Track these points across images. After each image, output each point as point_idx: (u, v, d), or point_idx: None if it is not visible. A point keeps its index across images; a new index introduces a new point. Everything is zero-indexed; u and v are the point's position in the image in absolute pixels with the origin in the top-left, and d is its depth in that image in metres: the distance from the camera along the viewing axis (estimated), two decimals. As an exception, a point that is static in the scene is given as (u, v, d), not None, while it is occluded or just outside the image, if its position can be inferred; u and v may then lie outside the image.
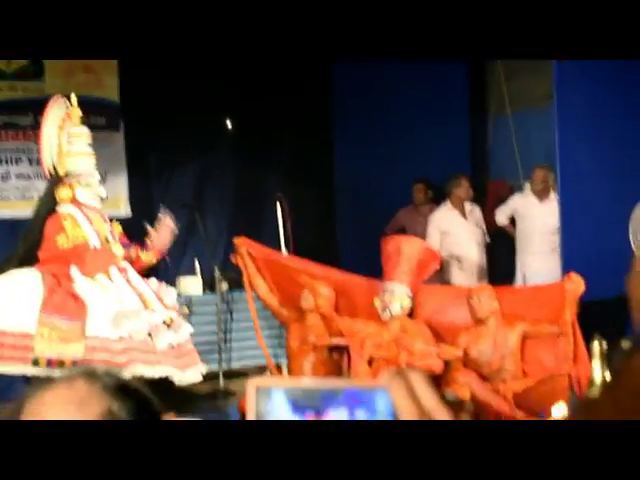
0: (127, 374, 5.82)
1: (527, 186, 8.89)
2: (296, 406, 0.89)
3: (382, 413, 0.88)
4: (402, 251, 6.87)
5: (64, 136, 6.43)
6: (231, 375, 7.69)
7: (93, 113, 8.85)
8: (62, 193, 6.38)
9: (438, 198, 9.44)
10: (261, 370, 8.18)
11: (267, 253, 7.43)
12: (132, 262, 6.56)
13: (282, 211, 8.23)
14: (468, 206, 9.01)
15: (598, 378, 3.98)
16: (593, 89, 7.53)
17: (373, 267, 7.22)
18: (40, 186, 9.15)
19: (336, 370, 7.00)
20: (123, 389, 1.48)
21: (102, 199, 6.56)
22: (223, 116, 9.93)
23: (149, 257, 6.66)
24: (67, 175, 6.42)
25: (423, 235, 8.94)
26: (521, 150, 9.42)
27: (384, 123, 9.83)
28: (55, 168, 6.44)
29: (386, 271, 6.86)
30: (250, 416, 0.90)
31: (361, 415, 0.88)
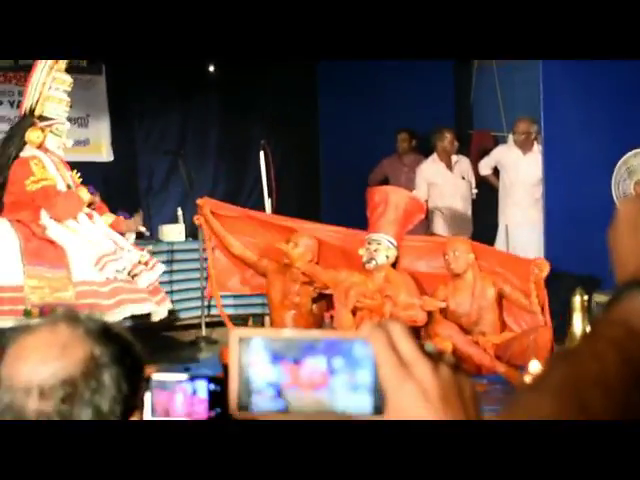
0: (118, 315, 5.88)
1: (511, 137, 8.89)
2: (275, 355, 0.89)
3: (360, 363, 0.88)
4: (389, 202, 6.86)
5: (49, 80, 6.36)
6: (213, 324, 7.70)
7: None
8: (32, 135, 6.30)
9: (422, 147, 9.43)
10: (243, 318, 8.22)
11: (236, 211, 7.39)
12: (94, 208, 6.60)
13: (266, 158, 8.18)
14: (454, 158, 9.01)
15: (579, 331, 4.02)
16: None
17: (356, 216, 7.22)
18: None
19: (318, 322, 7.04)
20: (106, 333, 1.48)
21: (64, 148, 6.55)
22: (206, 61, 9.85)
23: (107, 221, 6.65)
24: (40, 119, 6.35)
25: (406, 184, 8.95)
26: (505, 101, 9.39)
27: (368, 72, 9.76)
28: (32, 110, 6.37)
29: (372, 222, 6.86)
30: (232, 366, 0.90)
31: (339, 364, 0.88)
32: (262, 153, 8.18)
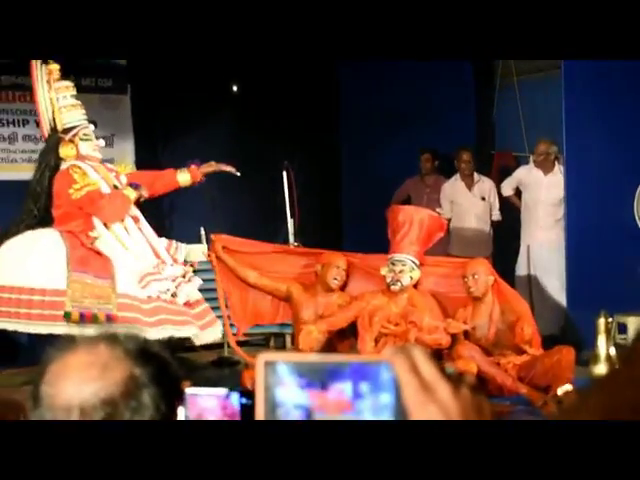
0: (157, 334, 5.85)
1: (532, 158, 8.89)
2: (302, 380, 0.91)
3: (386, 387, 0.90)
4: (413, 221, 6.80)
5: (53, 92, 6.39)
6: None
7: (100, 76, 8.84)
8: (65, 150, 6.34)
9: (444, 168, 9.44)
10: (266, 339, 8.22)
11: (250, 245, 7.17)
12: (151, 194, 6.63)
13: (288, 179, 8.20)
14: (476, 178, 9.04)
15: (603, 353, 4.01)
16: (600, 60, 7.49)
17: (379, 237, 7.21)
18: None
19: (345, 346, 6.93)
20: (144, 353, 1.50)
21: (100, 148, 6.57)
22: (230, 81, 9.91)
23: (185, 177, 6.69)
24: (64, 132, 6.38)
25: (427, 205, 8.96)
26: (527, 120, 9.39)
27: (391, 92, 9.80)
28: (54, 126, 6.41)
29: (395, 242, 6.79)
30: (259, 390, 0.92)
31: (365, 388, 0.90)
32: (285, 174, 8.21)
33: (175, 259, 6.49)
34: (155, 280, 6.09)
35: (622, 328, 7.45)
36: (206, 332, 6.38)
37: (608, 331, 4.07)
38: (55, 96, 6.39)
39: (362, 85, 10.18)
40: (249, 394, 1.68)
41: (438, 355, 6.50)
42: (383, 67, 9.40)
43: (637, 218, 7.73)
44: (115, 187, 6.47)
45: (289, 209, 8.15)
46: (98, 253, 6.18)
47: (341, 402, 0.91)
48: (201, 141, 9.82)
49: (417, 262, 6.72)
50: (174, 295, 6.17)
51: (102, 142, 6.56)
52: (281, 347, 8.05)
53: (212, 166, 6.74)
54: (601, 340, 4.08)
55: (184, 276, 6.30)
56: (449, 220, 9.05)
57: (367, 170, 10.05)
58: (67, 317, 5.94)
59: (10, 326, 6.06)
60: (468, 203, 9.02)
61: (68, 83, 6.49)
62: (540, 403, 6.06)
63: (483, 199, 9.03)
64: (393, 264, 6.67)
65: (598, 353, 4.08)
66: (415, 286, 6.76)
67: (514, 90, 9.48)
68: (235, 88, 9.98)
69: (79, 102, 6.50)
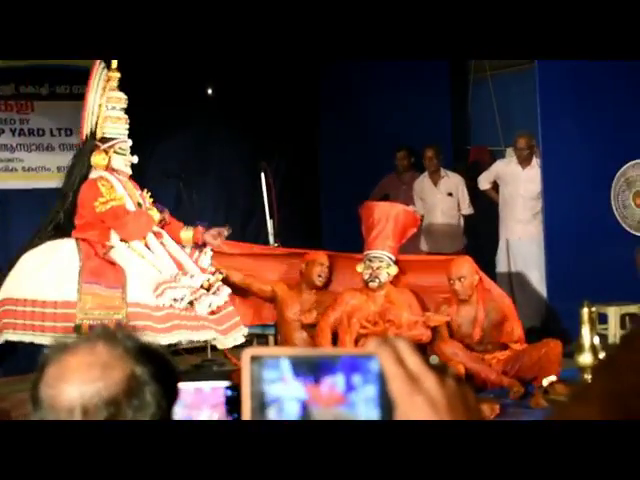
0: (170, 339, 5.88)
1: (509, 152, 8.94)
2: (293, 374, 0.91)
3: (378, 378, 0.91)
4: (389, 217, 6.80)
5: (104, 100, 6.35)
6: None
7: (75, 83, 8.79)
8: (97, 159, 6.28)
9: (420, 165, 9.49)
10: (248, 340, 8.20)
11: (232, 246, 7.07)
12: (164, 226, 6.56)
13: (266, 179, 8.20)
14: (442, 174, 9.08)
15: (587, 342, 4.04)
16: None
17: (358, 234, 7.22)
18: (22, 157, 9.14)
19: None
20: (143, 351, 1.50)
21: (132, 165, 6.48)
22: (206, 82, 9.90)
23: (188, 235, 6.64)
24: (102, 141, 6.33)
25: (405, 202, 9.00)
26: (501, 115, 9.44)
27: (367, 92, 9.83)
28: (93, 133, 6.36)
29: (371, 238, 6.77)
30: (245, 385, 0.92)
31: (357, 381, 0.91)
32: (263, 175, 8.20)
33: (203, 269, 6.44)
34: (170, 288, 6.03)
35: (602, 318, 7.51)
36: (228, 337, 6.30)
37: (592, 321, 4.10)
38: (105, 104, 6.34)
39: (340, 84, 10.20)
40: (234, 387, 1.68)
41: (421, 351, 6.51)
42: (360, 66, 9.43)
43: (614, 209, 7.79)
44: (139, 205, 6.44)
45: (268, 210, 8.14)
46: (112, 263, 6.14)
47: (334, 395, 0.91)
48: (179, 144, 9.82)
49: (393, 258, 6.71)
50: (191, 304, 6.11)
51: (136, 158, 6.43)
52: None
53: (216, 237, 6.66)
54: (585, 330, 4.11)
55: (208, 288, 6.23)
56: (422, 217, 9.11)
57: (345, 169, 10.07)
58: (77, 330, 5.93)
59: (26, 338, 6.05)
60: (434, 199, 9.09)
61: (122, 95, 6.44)
62: (517, 394, 6.11)
63: (450, 195, 9.07)
64: (370, 260, 6.65)
65: (582, 343, 4.11)
66: (394, 283, 6.76)
67: (488, 85, 9.53)
68: (211, 90, 9.97)
69: (126, 116, 6.43)
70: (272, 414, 0.92)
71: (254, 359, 0.93)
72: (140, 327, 5.81)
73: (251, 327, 7.48)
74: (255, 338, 8.12)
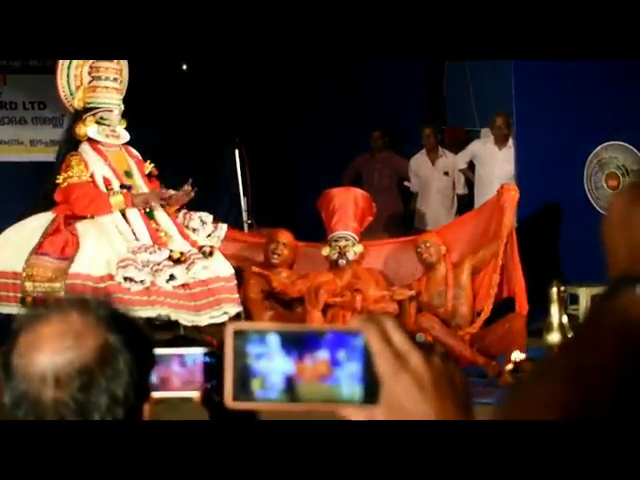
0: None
1: (485, 132, 8.96)
2: (278, 348, 0.92)
3: (361, 356, 0.91)
4: (349, 199, 6.95)
5: (85, 69, 6.25)
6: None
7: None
8: (77, 130, 6.22)
9: (394, 144, 9.51)
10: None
11: None
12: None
13: (240, 156, 8.19)
14: (440, 152, 9.13)
15: (556, 322, 4.08)
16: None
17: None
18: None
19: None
20: (116, 319, 1.49)
21: (121, 136, 6.37)
22: (179, 60, 9.84)
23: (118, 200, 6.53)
24: (85, 110, 6.24)
25: (379, 180, 9.16)
26: (477, 96, 9.45)
27: (343, 71, 9.81)
28: (74, 103, 6.28)
29: (334, 221, 6.87)
30: (227, 359, 0.92)
31: (343, 357, 0.91)
32: (237, 151, 8.19)
33: (193, 241, 6.35)
34: (121, 267, 5.90)
35: (573, 299, 7.57)
36: (202, 314, 6.14)
37: (561, 300, 4.14)
38: (87, 76, 6.25)
39: (314, 64, 10.16)
40: (212, 354, 1.68)
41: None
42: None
43: (587, 190, 7.84)
44: (127, 173, 6.35)
45: (242, 186, 8.14)
46: (73, 235, 6.06)
47: (318, 370, 0.91)
48: (153, 119, 9.75)
49: (357, 238, 6.83)
50: (155, 272, 5.99)
51: (120, 128, 6.31)
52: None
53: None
54: (554, 309, 4.15)
55: (174, 259, 6.07)
56: (416, 194, 9.17)
57: (319, 148, 10.05)
58: (22, 302, 5.90)
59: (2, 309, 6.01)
60: (430, 177, 9.15)
61: (109, 64, 6.29)
62: (494, 373, 6.18)
63: (446, 174, 9.13)
64: (336, 241, 6.76)
65: (551, 322, 4.15)
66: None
67: (464, 66, 9.53)
68: (185, 66, 9.91)
69: (117, 85, 6.32)
70: (255, 388, 0.92)
71: (237, 333, 0.93)
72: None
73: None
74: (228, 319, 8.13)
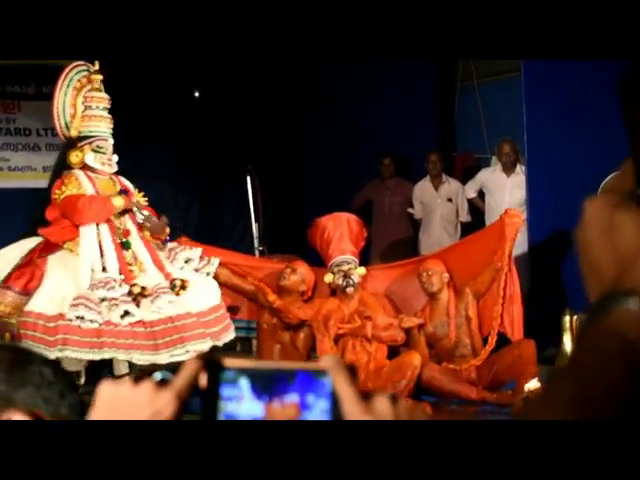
0: (58, 354, 5.66)
1: (494, 160, 8.97)
2: (252, 391, 0.92)
3: (328, 395, 0.92)
4: (342, 224, 6.93)
5: (80, 99, 6.30)
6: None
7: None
8: (72, 157, 6.23)
9: (404, 171, 9.53)
10: (232, 343, 8.17)
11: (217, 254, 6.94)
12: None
13: (252, 183, 8.20)
14: (444, 179, 9.14)
15: (569, 350, 4.06)
16: (560, 62, 7.56)
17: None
18: (8, 156, 9.12)
19: (303, 358, 6.80)
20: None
21: (113, 165, 6.36)
22: (192, 86, 9.90)
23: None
24: (80, 139, 6.27)
25: (389, 207, 9.16)
26: (488, 121, 9.47)
27: (352, 97, 9.84)
28: (68, 131, 6.31)
29: (332, 247, 6.82)
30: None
31: (312, 400, 0.92)
32: (249, 178, 8.21)
33: (168, 274, 6.21)
34: (73, 306, 5.80)
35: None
36: (162, 352, 5.92)
37: (573, 328, 4.12)
38: (81, 105, 6.29)
39: (324, 90, 10.20)
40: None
41: (394, 352, 6.57)
42: (347, 71, 9.46)
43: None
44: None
45: (253, 213, 8.15)
46: (39, 269, 6.00)
47: (289, 413, 0.92)
48: (165, 146, 9.80)
49: (357, 260, 6.80)
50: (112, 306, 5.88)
51: (116, 157, 6.34)
52: (247, 351, 8.03)
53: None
54: (566, 337, 4.14)
55: (135, 294, 5.94)
56: (420, 220, 9.19)
57: (330, 174, 10.07)
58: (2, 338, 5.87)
59: None
60: (434, 203, 9.14)
61: (103, 95, 6.36)
62: (507, 403, 6.09)
63: (450, 200, 9.12)
64: (338, 266, 6.71)
65: (564, 350, 4.13)
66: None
67: (475, 92, 9.56)
68: (198, 92, 9.97)
69: (108, 116, 6.35)
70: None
71: (211, 370, 0.94)
72: (29, 337, 5.73)
73: (237, 330, 7.48)
74: (238, 342, 8.11)
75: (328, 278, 6.72)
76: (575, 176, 7.82)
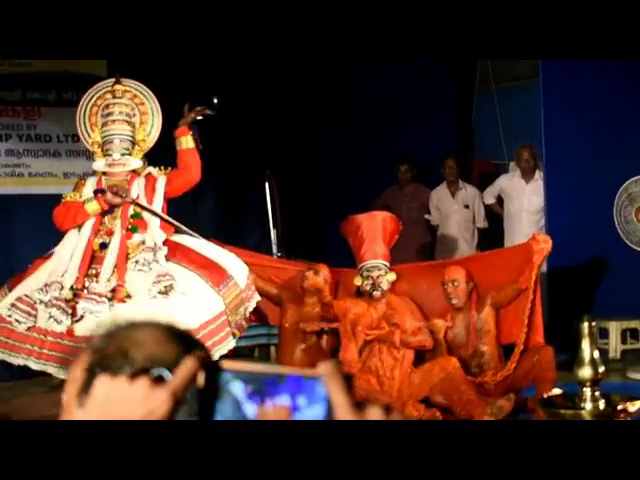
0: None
1: (512, 166, 8.98)
2: (246, 394, 0.95)
3: (320, 400, 0.94)
4: (377, 225, 6.82)
5: (100, 111, 6.35)
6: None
7: (79, 89, 8.82)
8: (94, 166, 6.36)
9: (422, 177, 9.53)
10: (250, 349, 8.21)
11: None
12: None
13: (270, 189, 8.21)
14: (460, 185, 9.14)
15: (587, 357, 4.07)
16: (578, 67, 7.57)
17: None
18: (29, 162, 9.17)
19: (327, 357, 6.79)
20: None
21: (121, 164, 6.28)
22: (210, 93, 9.92)
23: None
24: (98, 147, 6.32)
25: (407, 213, 9.13)
26: (506, 127, 9.48)
27: (371, 102, 9.86)
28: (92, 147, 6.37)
29: (364, 249, 6.73)
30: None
31: (302, 402, 0.94)
32: (267, 184, 8.22)
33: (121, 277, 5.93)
34: (15, 307, 5.76)
35: (603, 333, 7.54)
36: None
37: (592, 335, 4.12)
38: (101, 114, 6.33)
39: (341, 95, 10.23)
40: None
41: (421, 357, 6.52)
42: (364, 77, 9.47)
43: (616, 223, 7.82)
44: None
45: (272, 219, 8.16)
46: (32, 271, 6.02)
47: (280, 414, 0.94)
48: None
49: (388, 265, 6.70)
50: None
51: (118, 156, 6.24)
52: (265, 358, 8.07)
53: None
54: (585, 344, 4.12)
55: (67, 300, 5.75)
56: (437, 227, 9.19)
57: (348, 180, 10.10)
58: None
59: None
60: (450, 209, 9.15)
61: (120, 100, 6.40)
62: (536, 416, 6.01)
63: (467, 207, 9.13)
64: (368, 271, 6.62)
65: (582, 357, 4.12)
66: (392, 290, 6.72)
67: (492, 98, 9.57)
68: (215, 99, 9.99)
69: (119, 118, 6.33)
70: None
71: (209, 372, 0.97)
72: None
73: (259, 337, 7.46)
74: (257, 348, 8.15)
75: (357, 281, 6.64)
76: (593, 182, 7.83)
